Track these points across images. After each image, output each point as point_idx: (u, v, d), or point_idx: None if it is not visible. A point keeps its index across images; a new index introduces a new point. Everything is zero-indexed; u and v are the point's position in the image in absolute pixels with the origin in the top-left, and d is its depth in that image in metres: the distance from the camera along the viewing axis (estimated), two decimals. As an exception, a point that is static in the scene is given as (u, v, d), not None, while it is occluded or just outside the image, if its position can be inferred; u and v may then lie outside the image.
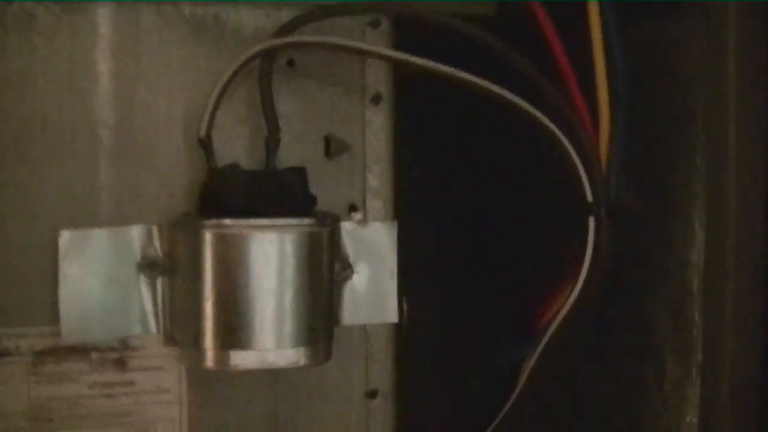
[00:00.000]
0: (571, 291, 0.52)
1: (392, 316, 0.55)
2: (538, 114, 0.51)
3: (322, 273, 0.50)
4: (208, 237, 0.48)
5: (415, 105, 0.58)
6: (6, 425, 0.51)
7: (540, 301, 0.55)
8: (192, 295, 0.49)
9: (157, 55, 0.53)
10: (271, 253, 0.48)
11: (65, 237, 0.51)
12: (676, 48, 0.56)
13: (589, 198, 0.52)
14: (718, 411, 0.56)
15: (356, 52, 0.53)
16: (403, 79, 0.56)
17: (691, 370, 0.56)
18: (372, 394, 0.56)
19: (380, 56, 0.53)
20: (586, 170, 0.51)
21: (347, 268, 0.54)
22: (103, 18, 0.52)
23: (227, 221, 0.48)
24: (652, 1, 0.57)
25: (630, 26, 0.56)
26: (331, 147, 0.54)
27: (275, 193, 0.50)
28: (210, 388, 0.54)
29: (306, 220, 0.49)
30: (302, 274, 0.49)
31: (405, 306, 0.56)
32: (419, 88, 0.56)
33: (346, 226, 0.54)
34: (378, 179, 0.55)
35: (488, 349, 0.60)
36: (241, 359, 0.49)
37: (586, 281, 0.52)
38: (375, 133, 0.55)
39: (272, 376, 0.54)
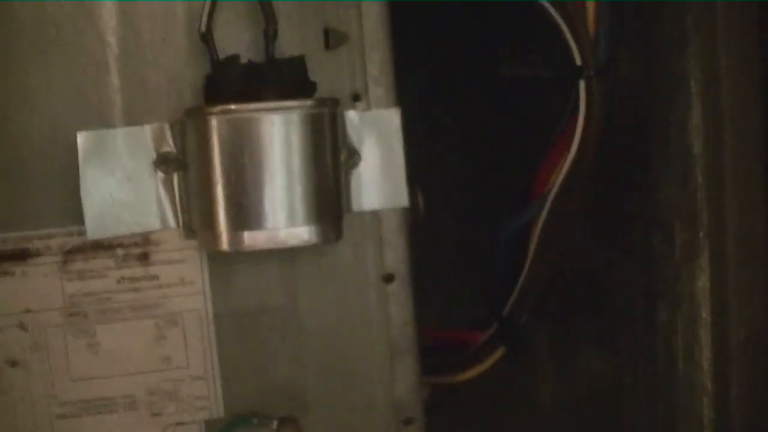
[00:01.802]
0: (567, 155, 0.54)
1: (403, 201, 0.57)
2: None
3: (327, 153, 0.52)
4: (214, 123, 0.50)
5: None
6: (45, 321, 0.54)
7: (539, 168, 0.57)
8: (204, 182, 0.51)
9: (157, -42, 0.55)
10: (275, 134, 0.50)
11: (83, 138, 0.53)
12: None
13: (578, 61, 0.53)
14: (728, 273, 0.57)
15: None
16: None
17: (699, 235, 0.57)
18: (388, 278, 0.58)
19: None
20: (573, 35, 0.53)
21: (354, 155, 0.56)
22: None
23: (231, 106, 0.50)
24: None
25: None
26: (330, 39, 0.56)
27: (276, 79, 0.52)
28: (231, 277, 0.56)
29: (307, 102, 0.51)
30: (307, 153, 0.51)
31: (420, 198, 0.58)
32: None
33: (350, 115, 0.56)
34: (378, 68, 0.57)
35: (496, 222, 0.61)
36: (254, 239, 0.51)
37: (581, 143, 0.53)
38: (372, 24, 0.57)
39: (290, 262, 0.57)
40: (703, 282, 0.59)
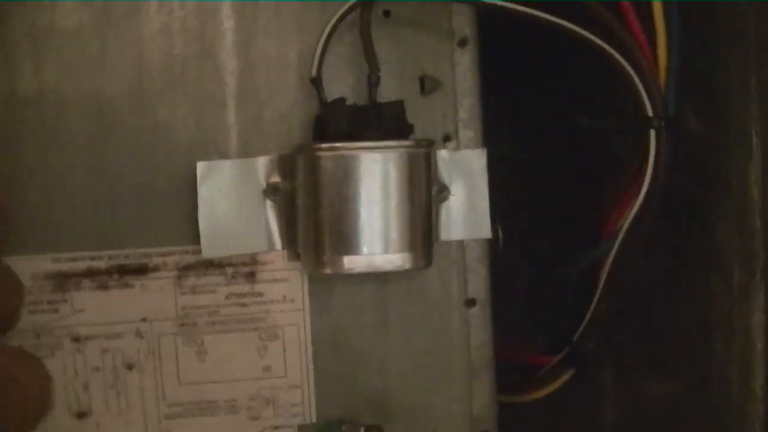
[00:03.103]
0: (636, 199, 0.59)
1: (485, 233, 0.62)
2: (602, 43, 0.58)
3: (421, 188, 0.57)
4: (321, 158, 0.56)
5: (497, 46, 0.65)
6: (159, 329, 0.60)
7: (609, 210, 0.62)
8: (310, 211, 0.57)
9: (273, 10, 0.61)
10: (376, 171, 0.56)
11: (202, 167, 0.59)
12: None
13: (649, 113, 0.59)
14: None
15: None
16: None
17: (755, 275, 0.62)
18: (470, 303, 0.63)
19: (467, 1, 0.60)
20: (645, 88, 0.58)
21: (444, 190, 0.62)
22: None
23: (338, 144, 0.56)
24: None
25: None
26: (426, 85, 0.61)
27: (378, 121, 0.57)
28: (328, 296, 0.61)
29: (405, 142, 0.57)
30: (403, 188, 0.56)
31: (501, 233, 0.64)
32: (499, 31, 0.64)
33: (442, 154, 0.61)
34: (468, 112, 0.62)
35: (567, 258, 0.66)
36: (353, 263, 0.56)
37: (648, 189, 0.58)
38: (463, 72, 0.62)
39: (381, 283, 0.62)
40: (758, 317, 0.64)
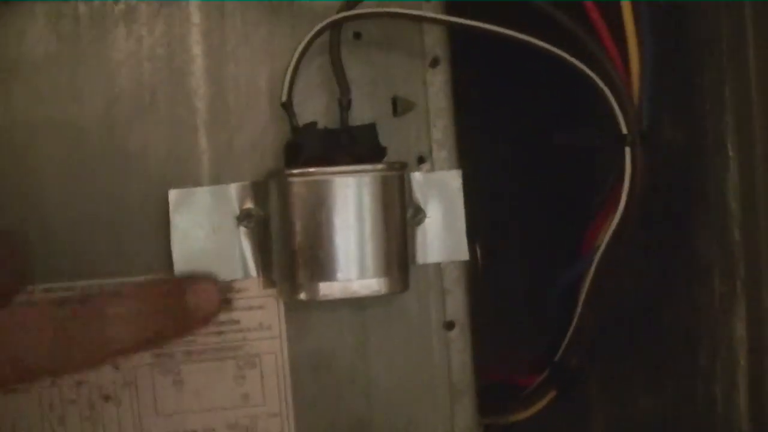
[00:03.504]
0: (614, 215, 0.58)
1: (463, 254, 0.62)
2: (575, 61, 0.57)
3: (396, 212, 0.57)
4: (294, 184, 0.55)
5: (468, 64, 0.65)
6: (135, 360, 0.59)
7: (586, 230, 0.62)
8: (284, 237, 0.56)
9: (241, 35, 0.60)
10: (349, 195, 0.55)
11: (174, 195, 0.59)
12: None
13: (624, 130, 0.58)
14: (764, 321, 0.61)
15: (415, 19, 0.59)
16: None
17: (736, 287, 0.62)
18: (449, 326, 0.62)
19: (436, 21, 0.60)
20: (619, 104, 0.58)
21: (419, 213, 0.61)
22: (194, 7, 0.60)
23: (310, 169, 0.55)
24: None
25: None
26: (398, 106, 0.61)
27: (350, 144, 0.57)
28: (305, 323, 0.61)
29: (378, 166, 0.56)
30: (378, 212, 0.56)
31: (478, 252, 0.63)
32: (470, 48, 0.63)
33: (416, 176, 0.61)
34: (441, 132, 0.62)
35: (548, 276, 0.66)
36: (329, 289, 0.55)
37: (626, 205, 0.58)
38: (436, 92, 0.62)
39: (359, 309, 0.61)
40: (740, 330, 0.63)
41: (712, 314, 0.65)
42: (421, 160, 0.62)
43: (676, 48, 0.64)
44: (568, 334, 0.63)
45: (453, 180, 0.62)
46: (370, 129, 0.58)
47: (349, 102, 0.57)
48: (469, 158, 0.63)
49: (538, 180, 0.85)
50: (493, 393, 0.66)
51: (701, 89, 0.63)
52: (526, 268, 0.84)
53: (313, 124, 0.58)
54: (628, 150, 0.58)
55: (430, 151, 0.62)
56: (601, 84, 0.57)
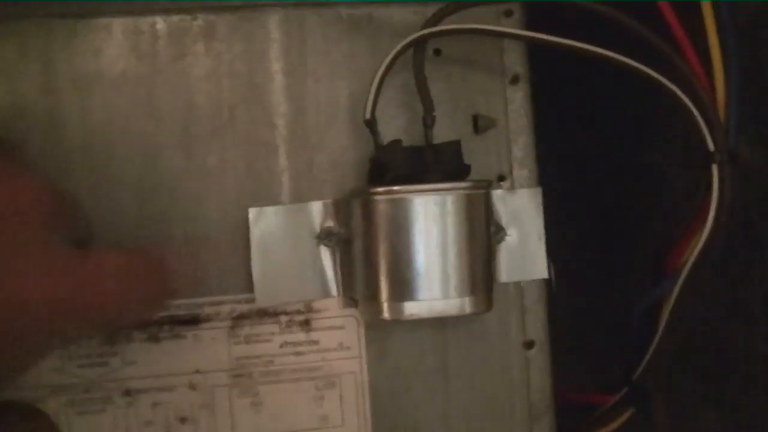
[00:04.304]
0: (701, 236, 0.58)
1: (542, 273, 0.61)
2: (662, 78, 0.56)
3: (480, 230, 0.56)
4: (379, 203, 0.54)
5: (551, 82, 0.64)
6: (213, 381, 0.58)
7: (672, 247, 0.61)
8: (368, 256, 0.55)
9: (321, 52, 0.60)
10: (435, 213, 0.54)
11: (254, 213, 0.58)
12: None
13: (711, 147, 0.57)
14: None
15: (498, 35, 0.59)
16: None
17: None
18: (529, 345, 0.62)
19: (518, 37, 0.59)
20: (706, 122, 0.57)
21: (500, 231, 0.60)
22: (274, 23, 0.60)
23: (395, 188, 0.54)
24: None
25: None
26: (479, 124, 0.60)
27: (435, 162, 0.56)
28: (386, 343, 0.60)
29: (463, 184, 0.55)
30: (463, 231, 0.55)
31: (552, 272, 0.62)
32: (553, 67, 0.63)
33: (497, 193, 0.60)
34: (522, 151, 0.61)
35: (630, 294, 0.65)
36: (414, 309, 0.55)
37: (713, 225, 0.57)
38: (516, 109, 0.61)
39: (440, 329, 0.61)
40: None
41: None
42: (501, 178, 0.61)
43: (754, 64, 0.63)
44: (648, 355, 0.62)
45: (533, 198, 0.61)
46: (455, 146, 0.57)
47: (434, 119, 0.57)
48: (547, 177, 0.62)
49: (619, 200, 0.84)
50: (566, 413, 0.65)
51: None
52: (601, 288, 0.83)
53: (398, 141, 0.57)
54: (715, 168, 0.57)
55: (511, 169, 0.61)
56: (687, 101, 0.56)
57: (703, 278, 0.59)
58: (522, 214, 0.61)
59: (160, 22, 0.59)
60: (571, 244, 0.71)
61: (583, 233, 0.84)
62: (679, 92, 0.57)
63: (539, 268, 0.61)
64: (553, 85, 0.68)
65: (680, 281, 0.59)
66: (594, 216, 0.85)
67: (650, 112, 0.65)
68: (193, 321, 0.59)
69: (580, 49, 0.57)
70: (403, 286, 0.55)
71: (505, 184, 0.61)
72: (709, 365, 0.72)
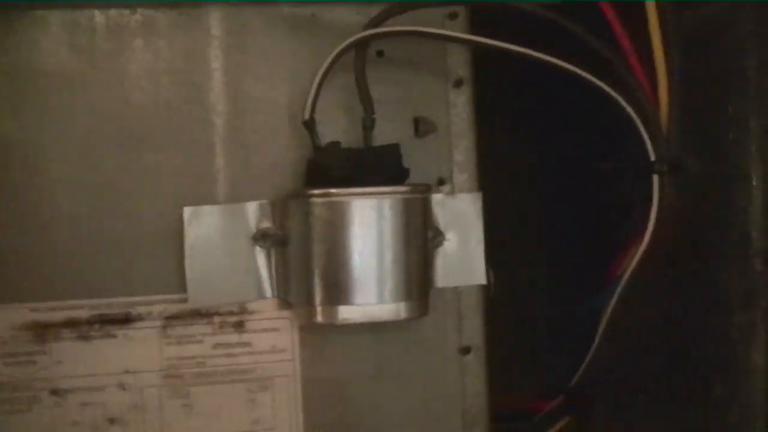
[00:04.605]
0: (640, 244, 0.57)
1: (480, 279, 0.61)
2: (603, 85, 0.56)
3: (417, 235, 0.56)
4: (316, 205, 0.54)
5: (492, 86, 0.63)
6: (143, 381, 0.58)
7: (614, 257, 0.61)
8: (303, 259, 0.55)
9: (262, 51, 0.59)
10: (371, 217, 0.54)
11: (188, 213, 0.57)
12: (727, 18, 0.60)
13: (652, 157, 0.57)
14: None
15: (441, 38, 0.58)
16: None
17: (756, 319, 0.61)
18: (465, 350, 0.61)
19: (462, 41, 0.59)
20: (648, 131, 0.57)
21: (439, 235, 0.60)
22: (215, 21, 0.59)
23: (333, 190, 0.54)
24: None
25: (685, 9, 0.62)
26: (420, 127, 0.60)
27: (373, 166, 0.55)
28: (320, 346, 0.59)
29: (401, 188, 0.55)
30: (399, 235, 0.54)
31: (491, 276, 0.62)
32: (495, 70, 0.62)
33: (436, 198, 0.60)
34: (463, 155, 0.61)
35: (569, 303, 0.65)
36: (349, 313, 0.54)
37: (652, 234, 0.57)
38: (458, 113, 0.61)
39: (375, 333, 0.60)
40: (759, 360, 0.62)
41: (730, 344, 0.63)
42: (441, 182, 0.61)
43: (701, 76, 0.63)
44: (586, 362, 0.62)
45: (473, 203, 0.60)
46: (394, 149, 0.57)
47: (373, 122, 0.56)
48: (491, 181, 0.61)
49: (561, 204, 0.83)
50: (506, 419, 0.65)
51: (726, 119, 0.62)
52: (543, 294, 0.82)
53: (337, 143, 0.56)
54: (656, 178, 0.57)
55: (451, 174, 0.61)
56: (629, 109, 0.56)
57: (644, 287, 0.59)
58: (461, 219, 0.60)
59: (99, 16, 0.58)
60: (515, 250, 0.70)
61: (528, 238, 0.84)
62: (621, 100, 0.57)
63: (477, 273, 0.61)
64: (501, 88, 0.67)
65: (618, 290, 0.59)
66: (540, 222, 0.84)
67: (600, 119, 0.64)
68: (125, 320, 0.58)
69: (523, 53, 0.57)
70: (338, 290, 0.54)
71: (445, 188, 0.61)
72: (651, 373, 0.72)
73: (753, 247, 0.61)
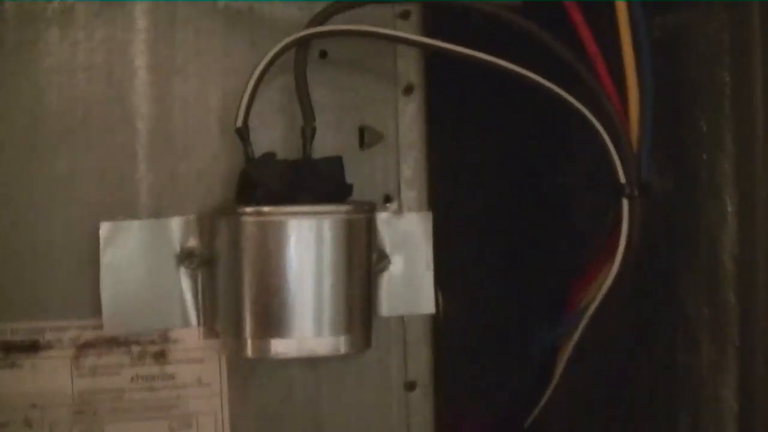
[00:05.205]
0: (608, 272, 0.52)
1: (429, 307, 0.56)
2: (570, 98, 0.51)
3: (361, 260, 0.51)
4: (247, 224, 0.49)
5: (445, 93, 0.58)
6: (51, 417, 0.52)
7: (573, 285, 0.56)
8: (232, 284, 0.50)
9: (193, 48, 0.54)
10: (309, 240, 0.49)
11: (105, 229, 0.52)
12: (700, 27, 0.57)
13: (621, 179, 0.52)
14: (757, 395, 0.56)
15: (391, 39, 0.53)
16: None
17: (727, 354, 0.56)
18: (411, 386, 0.56)
19: (414, 43, 0.54)
20: (618, 151, 0.52)
21: (384, 259, 0.55)
22: (141, 12, 0.53)
23: (266, 208, 0.49)
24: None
25: (655, 15, 0.57)
26: (365, 137, 0.55)
27: (312, 180, 0.50)
28: (250, 380, 0.54)
29: (343, 207, 0.50)
30: (340, 261, 0.49)
31: (440, 299, 0.57)
32: (449, 76, 0.57)
33: (382, 217, 0.55)
34: (412, 169, 0.56)
35: (524, 334, 0.60)
36: (282, 347, 0.49)
37: (622, 262, 0.52)
38: (408, 123, 0.56)
39: (312, 366, 0.55)
40: (729, 399, 0.58)
41: (697, 380, 0.59)
42: (387, 199, 0.56)
43: (671, 89, 0.58)
44: (543, 400, 0.57)
45: (422, 223, 0.56)
46: (336, 163, 0.51)
47: (314, 131, 0.51)
48: (440, 199, 0.56)
49: (516, 223, 0.79)
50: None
51: (698, 135, 0.57)
52: (499, 320, 0.77)
53: (272, 155, 0.51)
54: (625, 202, 0.52)
55: (399, 190, 0.56)
56: (598, 126, 0.51)
57: (607, 317, 0.54)
58: (409, 241, 0.55)
59: (9, 2, 0.52)
60: (468, 272, 0.66)
61: (481, 260, 0.79)
62: (591, 117, 0.51)
63: (425, 301, 0.56)
64: (452, 95, 0.62)
65: (584, 320, 0.54)
66: (493, 241, 0.80)
67: (556, 130, 0.59)
68: (32, 348, 0.52)
69: (482, 60, 0.52)
70: (270, 321, 0.49)
71: (392, 206, 0.56)
72: (614, 410, 0.68)
73: (725, 276, 0.57)
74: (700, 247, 0.58)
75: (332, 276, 0.49)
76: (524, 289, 0.76)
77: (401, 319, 0.56)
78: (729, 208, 0.56)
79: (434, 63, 0.57)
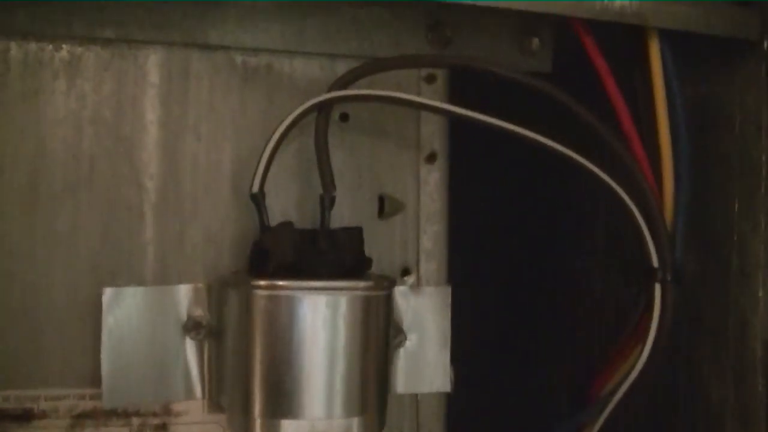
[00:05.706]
0: (638, 358, 0.50)
1: (444, 386, 0.54)
2: (604, 176, 0.49)
3: (378, 339, 0.48)
4: (259, 297, 0.46)
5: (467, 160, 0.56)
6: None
7: (599, 369, 0.53)
8: (241, 359, 0.47)
9: (207, 104, 0.51)
10: (325, 317, 0.46)
11: (109, 295, 0.49)
12: (736, 102, 0.55)
13: (654, 263, 0.50)
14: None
15: (416, 106, 0.51)
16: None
17: (755, 435, 0.54)
18: (423, 468, 0.54)
19: (439, 110, 0.52)
20: (652, 233, 0.49)
21: (399, 334, 0.53)
22: (153, 64, 0.51)
23: (279, 282, 0.46)
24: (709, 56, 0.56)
25: (688, 85, 0.55)
26: (385, 207, 0.53)
27: (330, 253, 0.48)
28: (256, 458, 0.51)
29: (361, 283, 0.47)
30: (356, 339, 0.47)
31: (452, 374, 0.54)
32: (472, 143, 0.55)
33: (400, 290, 0.53)
34: (432, 241, 0.54)
35: (545, 418, 0.58)
36: (292, 429, 0.47)
37: (652, 348, 0.50)
38: (430, 193, 0.54)
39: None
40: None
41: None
42: (405, 272, 0.54)
43: (702, 167, 0.56)
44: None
45: (441, 298, 0.54)
46: (356, 234, 0.49)
47: (333, 200, 0.48)
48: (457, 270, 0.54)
49: (533, 302, 0.76)
50: None
51: (730, 215, 0.55)
52: (516, 404, 0.75)
53: (288, 224, 0.48)
54: (658, 287, 0.49)
55: (418, 262, 0.54)
56: (634, 209, 0.49)
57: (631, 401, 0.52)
58: (426, 317, 0.53)
59: (15, 49, 0.49)
60: (481, 353, 0.63)
61: (495, 340, 0.77)
62: (625, 197, 0.49)
63: (439, 380, 0.54)
64: (470, 163, 0.60)
65: (608, 408, 0.52)
66: (508, 321, 0.77)
67: (569, 206, 0.57)
68: (25, 417, 0.49)
69: (511, 131, 0.49)
70: (281, 401, 0.47)
71: (410, 279, 0.54)
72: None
73: (754, 362, 0.55)
74: (728, 330, 0.56)
75: (347, 355, 0.47)
76: (548, 372, 0.73)
77: (415, 398, 0.54)
78: (760, 294, 0.54)
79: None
